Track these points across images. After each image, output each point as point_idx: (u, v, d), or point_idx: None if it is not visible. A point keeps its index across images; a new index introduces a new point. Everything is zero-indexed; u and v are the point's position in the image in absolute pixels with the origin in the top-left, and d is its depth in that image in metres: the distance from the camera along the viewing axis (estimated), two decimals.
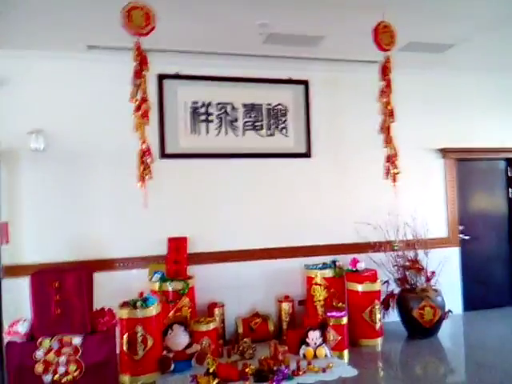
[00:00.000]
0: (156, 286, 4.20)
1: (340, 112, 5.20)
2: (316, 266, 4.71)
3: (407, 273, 4.73)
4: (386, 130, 3.97)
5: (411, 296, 4.64)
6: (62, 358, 3.27)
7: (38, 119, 4.32)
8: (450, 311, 4.76)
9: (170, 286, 4.20)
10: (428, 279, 4.70)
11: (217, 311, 4.36)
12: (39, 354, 3.24)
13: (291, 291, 4.80)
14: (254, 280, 4.81)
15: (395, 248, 4.84)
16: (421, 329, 4.59)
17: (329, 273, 4.61)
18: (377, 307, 4.46)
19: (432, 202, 5.43)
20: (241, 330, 4.47)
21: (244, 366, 3.69)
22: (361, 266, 4.58)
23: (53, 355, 3.27)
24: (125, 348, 3.67)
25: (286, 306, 4.60)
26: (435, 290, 4.69)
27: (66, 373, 3.26)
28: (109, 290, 4.06)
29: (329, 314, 4.22)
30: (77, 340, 3.29)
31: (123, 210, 4.51)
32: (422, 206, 5.26)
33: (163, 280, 4.24)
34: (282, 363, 3.73)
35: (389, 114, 4.01)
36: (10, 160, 4.25)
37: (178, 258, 4.38)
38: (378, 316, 4.46)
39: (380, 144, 4.34)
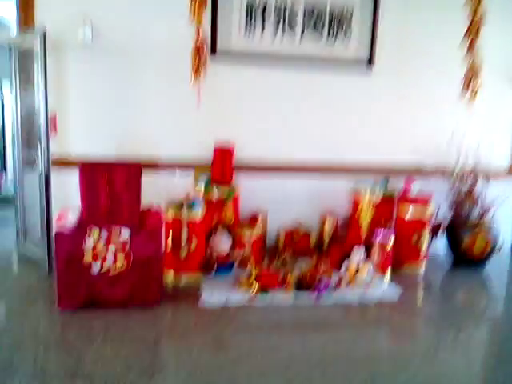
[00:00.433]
0: (201, 191, 4.17)
1: (414, 21, 4.61)
2: (365, 184, 4.48)
3: (463, 201, 4.48)
4: (470, 40, 3.50)
5: (463, 226, 4.42)
6: (111, 249, 3.32)
7: (87, 9, 4.05)
8: (501, 247, 4.54)
9: (215, 192, 4.16)
10: (484, 211, 4.45)
11: (260, 220, 4.32)
12: (88, 243, 3.28)
13: (336, 208, 4.67)
14: (300, 194, 4.69)
15: (454, 175, 4.55)
16: (468, 260, 4.44)
17: (378, 192, 4.39)
18: (425, 232, 4.29)
19: (501, 130, 4.97)
20: (282, 241, 4.47)
21: (285, 275, 3.70)
22: (415, 188, 4.35)
23: (101, 246, 3.30)
24: (169, 247, 3.74)
25: (329, 221, 4.49)
26: (489, 223, 4.45)
27: (114, 263, 3.32)
28: (154, 191, 4.04)
29: (375, 233, 4.10)
30: (125, 233, 3.32)
31: (172, 109, 4.36)
32: (489, 132, 4.84)
33: (208, 185, 4.20)
34: (323, 275, 3.71)
35: (477, 22, 3.51)
36: (57, 50, 4.07)
37: (223, 168, 4.29)
38: (426, 242, 4.31)
39: (452, 63, 3.88)
